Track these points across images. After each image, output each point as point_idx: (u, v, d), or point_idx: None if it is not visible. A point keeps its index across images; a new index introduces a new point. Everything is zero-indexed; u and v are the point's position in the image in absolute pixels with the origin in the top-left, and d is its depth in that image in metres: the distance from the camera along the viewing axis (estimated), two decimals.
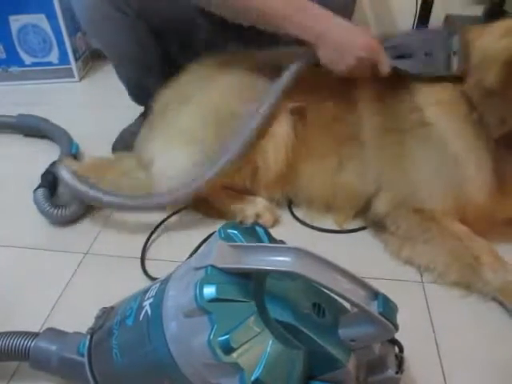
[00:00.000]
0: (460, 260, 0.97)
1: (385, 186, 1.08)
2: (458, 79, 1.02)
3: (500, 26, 1.00)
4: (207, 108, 1.14)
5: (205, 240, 1.09)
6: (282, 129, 1.12)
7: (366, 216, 1.12)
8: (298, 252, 0.56)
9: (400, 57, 1.03)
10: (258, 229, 0.68)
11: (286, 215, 1.20)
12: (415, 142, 1.05)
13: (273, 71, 1.15)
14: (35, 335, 0.76)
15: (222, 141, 1.10)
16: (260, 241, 0.67)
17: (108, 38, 1.23)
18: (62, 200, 1.19)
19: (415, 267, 1.03)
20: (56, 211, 1.14)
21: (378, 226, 1.09)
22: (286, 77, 1.07)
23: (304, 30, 1.00)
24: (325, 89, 1.14)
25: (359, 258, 1.03)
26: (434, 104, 1.04)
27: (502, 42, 0.96)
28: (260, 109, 1.06)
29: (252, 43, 1.22)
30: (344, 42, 1.00)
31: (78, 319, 0.76)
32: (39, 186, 1.19)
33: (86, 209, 1.19)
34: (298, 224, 1.17)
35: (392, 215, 1.06)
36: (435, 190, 1.03)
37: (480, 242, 0.99)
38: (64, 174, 1.10)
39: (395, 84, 1.08)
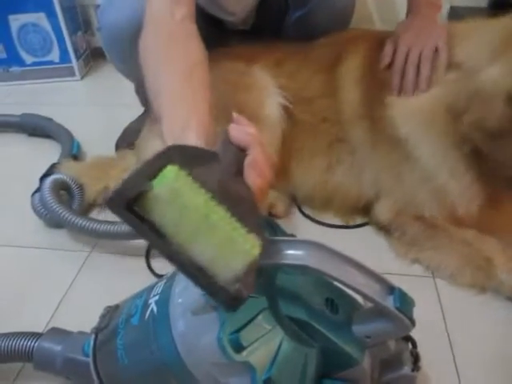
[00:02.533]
0: (471, 263, 0.94)
1: (383, 193, 1.06)
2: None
3: (492, 31, 0.92)
4: None
5: None
6: (273, 117, 1.09)
7: (370, 217, 1.11)
8: (311, 245, 0.54)
9: None
10: (268, 222, 0.67)
11: (292, 209, 1.18)
12: (396, 153, 1.02)
13: (269, 63, 1.14)
14: (39, 335, 0.75)
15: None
16: (270, 234, 0.65)
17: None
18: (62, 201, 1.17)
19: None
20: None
21: (383, 229, 1.07)
22: None
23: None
24: (313, 89, 1.12)
25: (367, 252, 1.00)
26: (408, 117, 0.99)
27: (500, 68, 0.81)
28: None
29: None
30: None
31: (83, 318, 0.75)
32: (36, 191, 1.17)
33: (85, 210, 1.17)
34: (305, 219, 1.16)
35: (395, 222, 1.04)
36: (425, 200, 1.00)
37: (491, 242, 0.96)
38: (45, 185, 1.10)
39: (381, 90, 1.05)
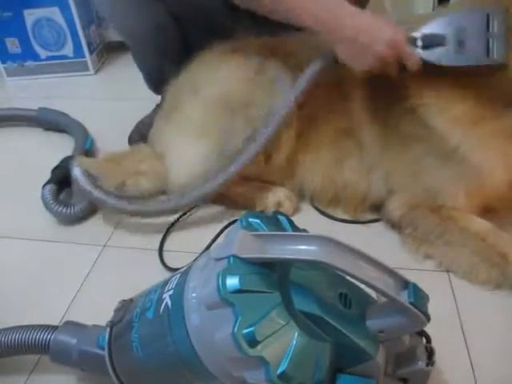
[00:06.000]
0: (486, 260, 0.93)
1: (398, 189, 1.05)
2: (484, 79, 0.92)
3: None
4: (217, 99, 1.13)
5: (223, 229, 1.07)
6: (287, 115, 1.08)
7: (381, 214, 1.09)
8: (324, 240, 0.54)
9: (428, 47, 0.93)
10: (281, 217, 0.67)
11: (303, 204, 1.18)
12: (416, 152, 1.00)
13: (283, 58, 1.13)
14: (55, 328, 0.75)
15: (232, 132, 1.09)
16: (283, 229, 0.65)
17: (125, 21, 1.21)
18: (75, 197, 1.19)
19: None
20: (61, 209, 1.13)
21: (394, 226, 1.06)
22: (304, 79, 1.02)
23: (322, 24, 0.95)
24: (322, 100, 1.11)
25: (381, 247, 1.01)
26: (455, 124, 0.95)
27: None
28: (275, 114, 1.03)
29: (268, 29, 1.19)
30: (366, 38, 0.92)
31: (97, 312, 0.76)
32: (48, 182, 1.18)
33: (94, 207, 1.17)
34: (318, 214, 1.15)
35: (408, 217, 1.02)
36: (453, 190, 0.98)
37: (506, 237, 0.94)
38: (76, 173, 1.10)
39: (393, 93, 1.02)
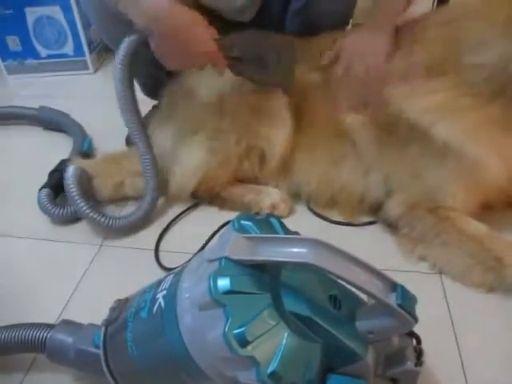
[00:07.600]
0: (481, 263, 0.93)
1: (396, 189, 1.05)
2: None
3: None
4: (212, 100, 1.13)
5: (217, 231, 1.08)
6: (282, 111, 1.11)
7: (378, 215, 1.09)
8: (314, 243, 0.55)
9: (237, 58, 1.04)
10: (273, 220, 0.68)
11: (299, 206, 1.18)
12: (414, 152, 1.01)
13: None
14: (51, 327, 0.76)
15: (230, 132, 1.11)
16: (275, 232, 0.66)
17: (114, 34, 1.21)
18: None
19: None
20: (58, 211, 1.13)
21: (391, 226, 1.06)
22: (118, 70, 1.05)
23: (142, 15, 0.97)
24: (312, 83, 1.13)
25: (374, 250, 0.99)
26: (428, 112, 0.97)
27: None
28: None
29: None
30: (186, 45, 0.98)
31: (94, 311, 0.76)
32: (44, 186, 1.18)
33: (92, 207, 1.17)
34: (312, 215, 1.15)
35: (405, 217, 1.02)
36: (451, 187, 0.99)
37: (502, 241, 0.94)
38: (68, 175, 1.11)
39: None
